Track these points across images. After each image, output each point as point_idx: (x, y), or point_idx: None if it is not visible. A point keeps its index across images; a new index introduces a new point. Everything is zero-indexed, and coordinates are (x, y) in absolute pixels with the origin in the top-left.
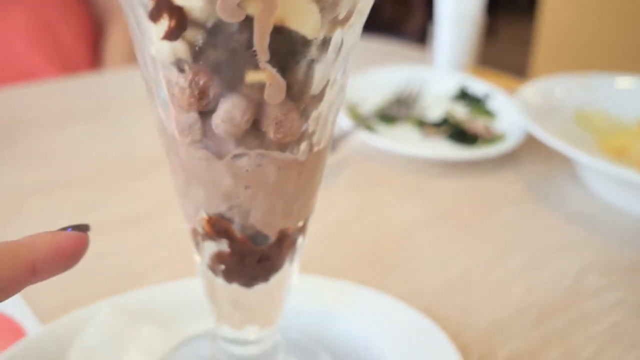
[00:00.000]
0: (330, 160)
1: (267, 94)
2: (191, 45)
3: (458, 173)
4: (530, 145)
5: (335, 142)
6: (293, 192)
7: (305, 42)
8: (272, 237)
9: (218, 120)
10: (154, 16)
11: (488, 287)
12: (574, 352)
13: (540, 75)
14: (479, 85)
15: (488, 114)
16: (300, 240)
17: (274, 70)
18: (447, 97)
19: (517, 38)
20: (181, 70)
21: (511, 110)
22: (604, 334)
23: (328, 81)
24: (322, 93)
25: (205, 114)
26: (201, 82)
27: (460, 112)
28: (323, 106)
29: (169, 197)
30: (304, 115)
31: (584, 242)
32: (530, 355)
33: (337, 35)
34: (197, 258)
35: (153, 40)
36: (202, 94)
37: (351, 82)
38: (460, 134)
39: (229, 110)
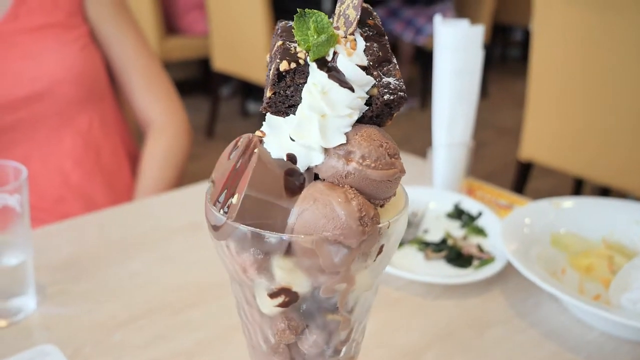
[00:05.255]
0: None
1: (341, 327)
2: (295, 307)
3: (455, 292)
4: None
5: None
6: None
7: (365, 295)
8: None
9: (307, 347)
10: (274, 294)
11: None
12: None
13: (532, 131)
14: (471, 204)
15: (480, 232)
16: None
17: (347, 314)
18: (445, 215)
19: (509, 95)
20: (287, 319)
21: (499, 231)
22: None
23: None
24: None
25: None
26: (296, 325)
27: (457, 230)
28: (358, 330)
29: (224, 326)
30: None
31: (558, 358)
32: None
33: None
34: None
35: (267, 305)
36: (295, 331)
37: None
38: (457, 257)
39: (315, 340)
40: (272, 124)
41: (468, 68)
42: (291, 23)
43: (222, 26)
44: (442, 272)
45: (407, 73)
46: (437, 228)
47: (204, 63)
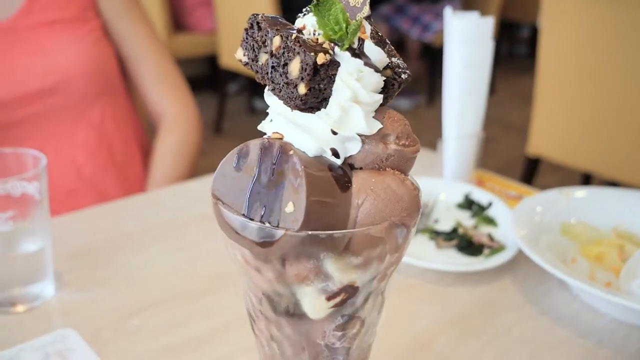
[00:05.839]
0: None
1: (379, 310)
2: (350, 302)
3: (467, 280)
4: (525, 255)
5: None
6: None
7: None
8: None
9: (349, 340)
10: (334, 295)
11: None
12: None
13: (540, 127)
14: (481, 194)
15: (490, 221)
16: None
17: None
18: (455, 206)
19: (515, 92)
20: (341, 317)
21: (509, 220)
22: None
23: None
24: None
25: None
26: (346, 321)
27: (467, 220)
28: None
29: (237, 313)
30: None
31: (569, 344)
32: None
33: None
34: None
35: (320, 309)
36: (344, 328)
37: None
38: (468, 245)
39: (360, 331)
40: (301, 122)
41: (478, 60)
42: (270, 15)
43: (229, 23)
44: (454, 260)
45: (414, 70)
46: (448, 218)
47: (212, 60)
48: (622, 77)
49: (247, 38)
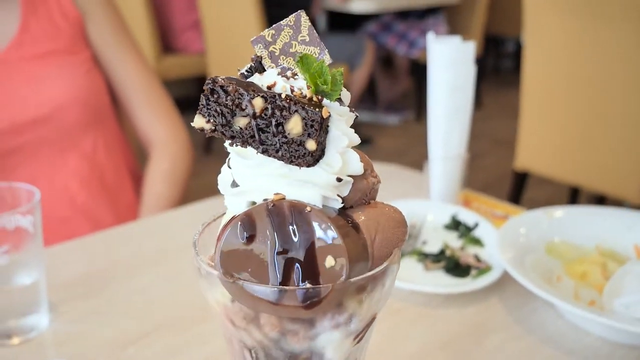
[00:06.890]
0: None
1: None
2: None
3: (455, 301)
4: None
5: None
6: None
7: None
8: None
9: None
10: (359, 332)
11: None
12: None
13: (527, 141)
14: (468, 215)
15: (477, 242)
16: None
17: None
18: (443, 227)
19: (503, 106)
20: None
21: (495, 241)
22: None
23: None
24: None
25: None
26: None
27: (454, 241)
28: None
29: None
30: None
31: None
32: None
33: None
34: None
35: (345, 349)
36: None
37: None
38: (455, 267)
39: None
40: (305, 177)
41: (461, 83)
42: (226, 77)
43: (218, 44)
44: (442, 282)
45: (403, 86)
46: (436, 239)
47: (201, 80)
48: (606, 89)
49: (208, 104)
